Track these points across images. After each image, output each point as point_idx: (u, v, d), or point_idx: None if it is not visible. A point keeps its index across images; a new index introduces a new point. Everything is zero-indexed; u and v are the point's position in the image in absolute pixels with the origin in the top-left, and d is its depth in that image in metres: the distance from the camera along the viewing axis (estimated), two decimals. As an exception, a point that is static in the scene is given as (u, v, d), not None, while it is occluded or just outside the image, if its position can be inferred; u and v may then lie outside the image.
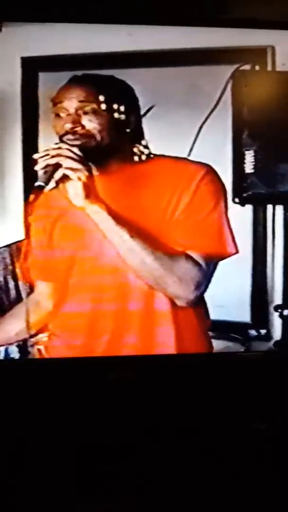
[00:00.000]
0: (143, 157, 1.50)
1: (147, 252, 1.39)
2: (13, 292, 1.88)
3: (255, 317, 1.92)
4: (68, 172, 1.35)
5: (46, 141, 1.44)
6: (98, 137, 1.42)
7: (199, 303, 1.49)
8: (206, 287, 1.47)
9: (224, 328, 1.83)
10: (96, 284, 1.47)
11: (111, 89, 1.45)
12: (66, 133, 1.42)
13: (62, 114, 1.42)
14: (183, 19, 1.64)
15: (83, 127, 1.42)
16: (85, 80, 1.46)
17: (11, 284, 1.89)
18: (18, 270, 1.65)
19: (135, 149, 1.49)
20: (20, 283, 1.85)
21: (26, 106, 2.13)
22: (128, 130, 1.46)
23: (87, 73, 1.50)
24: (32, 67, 2.15)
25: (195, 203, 1.45)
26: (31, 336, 1.64)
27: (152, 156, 1.51)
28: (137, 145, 1.49)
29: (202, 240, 1.45)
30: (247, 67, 1.79)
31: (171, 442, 1.53)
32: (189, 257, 1.43)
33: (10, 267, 1.89)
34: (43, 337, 1.67)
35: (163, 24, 1.66)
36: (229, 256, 1.47)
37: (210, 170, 1.48)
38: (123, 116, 1.44)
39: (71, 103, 1.42)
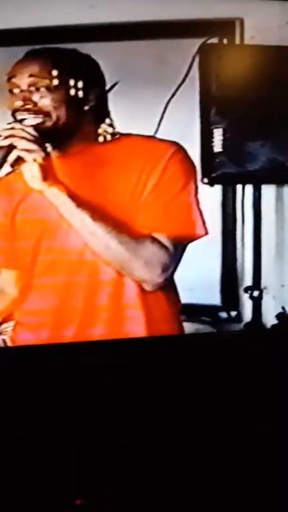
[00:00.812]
0: (108, 137, 1.41)
1: (110, 235, 1.33)
2: None
3: (225, 299, 1.89)
4: (23, 154, 1.26)
5: (2, 120, 1.35)
6: (53, 116, 1.32)
7: (168, 286, 1.43)
8: (174, 269, 1.41)
9: (194, 311, 1.80)
10: (62, 272, 1.40)
11: (68, 63, 1.34)
12: (17, 110, 1.32)
13: (15, 90, 1.33)
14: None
15: (34, 104, 1.32)
16: (41, 53, 1.36)
17: None
18: None
19: (99, 130, 1.41)
20: None
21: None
22: (86, 108, 1.37)
23: (46, 46, 1.40)
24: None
25: (163, 184, 1.38)
26: None
27: (118, 136, 1.43)
28: (102, 124, 1.40)
29: (170, 222, 1.38)
30: (215, 40, 1.71)
31: (146, 425, 1.50)
32: (155, 240, 1.37)
33: None
34: (7, 327, 1.62)
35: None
36: (199, 238, 1.41)
37: (179, 149, 1.40)
38: (80, 93, 1.35)
39: (23, 79, 1.32)
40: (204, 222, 1.40)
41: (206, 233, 1.41)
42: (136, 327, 1.40)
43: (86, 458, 1.46)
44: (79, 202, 1.30)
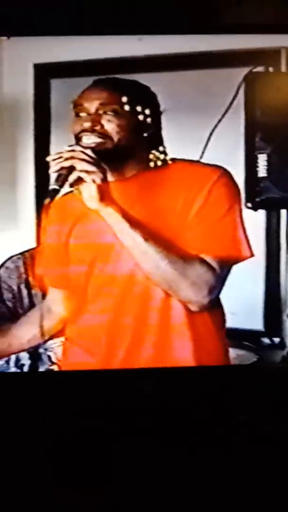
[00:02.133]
0: (159, 163, 1.44)
1: (161, 255, 1.34)
2: (26, 301, 1.88)
3: (268, 325, 1.85)
4: (83, 175, 1.30)
5: (58, 149, 1.39)
6: (115, 138, 1.37)
7: (214, 308, 1.42)
8: (220, 290, 1.40)
9: (237, 336, 1.76)
10: (114, 293, 1.42)
11: (134, 91, 1.40)
12: (82, 131, 1.36)
13: (82, 114, 1.38)
14: (192, 27, 1.58)
15: (102, 126, 1.37)
16: (109, 82, 1.42)
17: (25, 292, 1.89)
18: (31, 278, 1.60)
19: (151, 155, 1.44)
20: (34, 291, 1.84)
21: (38, 113, 2.11)
22: (145, 135, 1.40)
23: (110, 76, 1.45)
24: (44, 74, 2.13)
25: (208, 206, 1.39)
26: (43, 343, 1.61)
27: (168, 162, 1.45)
28: (154, 151, 1.43)
29: (216, 244, 1.39)
30: (260, 69, 1.72)
31: (185, 455, 1.49)
32: (203, 261, 1.37)
33: (24, 276, 1.90)
34: (53, 343, 1.63)
35: (171, 33, 1.60)
36: (244, 259, 1.41)
37: (224, 173, 1.42)
38: (148, 119, 1.40)
39: (92, 104, 1.38)
40: (249, 244, 1.40)
41: (252, 255, 1.40)
42: (183, 349, 1.40)
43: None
44: (132, 222, 1.33)
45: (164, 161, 1.45)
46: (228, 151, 1.72)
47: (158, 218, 1.38)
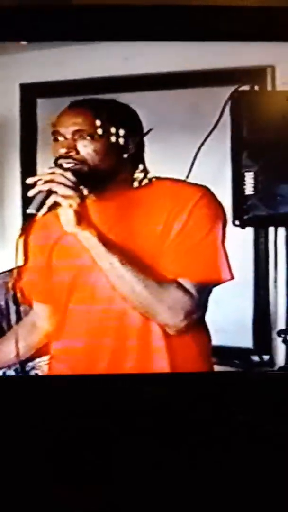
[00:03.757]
0: (143, 182, 1.42)
1: (137, 279, 1.33)
2: (13, 317, 1.81)
3: (258, 342, 1.82)
4: (59, 199, 1.29)
5: (45, 167, 1.38)
6: (91, 163, 1.35)
7: (196, 328, 1.40)
8: (203, 313, 1.39)
9: (225, 354, 1.73)
10: (94, 314, 1.41)
11: (109, 112, 1.38)
12: (60, 157, 1.34)
13: (60, 138, 1.36)
14: (178, 34, 1.56)
15: (77, 152, 1.34)
16: (83, 104, 1.40)
17: (12, 308, 1.83)
18: (18, 294, 1.57)
19: (135, 175, 1.42)
20: (22, 307, 1.80)
21: (24, 132, 2.09)
22: (125, 156, 1.38)
23: (87, 97, 1.43)
24: (31, 93, 2.11)
25: (188, 229, 1.37)
26: (29, 360, 1.59)
27: (152, 180, 1.42)
28: (137, 171, 1.41)
29: (195, 267, 1.37)
30: (246, 87, 1.71)
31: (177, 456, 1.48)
32: (180, 285, 1.35)
33: (11, 291, 1.84)
34: (40, 361, 1.61)
35: (160, 40, 1.58)
36: (224, 282, 1.38)
37: (206, 193, 1.40)
38: (121, 140, 1.37)
39: (67, 128, 1.37)
40: (229, 266, 1.38)
41: (232, 278, 1.39)
42: (161, 370, 1.38)
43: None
44: (110, 246, 1.31)
45: (146, 179, 1.43)
46: (215, 169, 1.71)
47: (137, 240, 1.37)
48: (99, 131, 1.35)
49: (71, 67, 1.95)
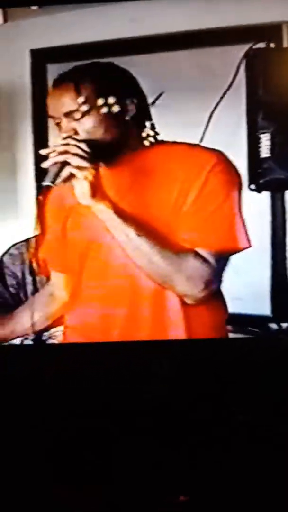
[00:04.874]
0: (152, 140, 1.35)
1: (154, 250, 1.28)
2: (30, 287, 1.86)
3: (276, 310, 1.79)
4: (75, 171, 1.24)
5: (56, 135, 1.32)
6: (95, 137, 1.28)
7: (213, 298, 1.36)
8: (219, 282, 1.35)
9: (243, 321, 1.70)
10: (107, 282, 1.37)
11: (94, 82, 1.30)
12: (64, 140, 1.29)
13: (58, 122, 1.30)
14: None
15: (76, 132, 1.28)
16: (64, 80, 1.31)
17: (29, 279, 1.87)
18: (34, 264, 1.55)
19: (143, 134, 1.35)
20: (38, 278, 1.80)
21: (35, 99, 2.04)
22: (127, 118, 1.31)
23: (67, 70, 1.35)
24: (40, 59, 2.06)
25: (204, 196, 1.31)
26: (46, 330, 1.57)
27: (160, 141, 1.36)
28: (144, 129, 1.34)
29: (212, 236, 1.32)
30: (261, 45, 1.63)
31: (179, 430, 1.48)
32: (197, 255, 1.31)
33: (27, 262, 1.87)
34: (56, 331, 1.60)
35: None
36: (242, 250, 1.34)
37: (221, 158, 1.32)
38: (116, 108, 1.30)
39: (58, 111, 1.30)
40: (247, 234, 1.32)
41: (249, 246, 1.32)
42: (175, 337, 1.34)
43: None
44: (124, 217, 1.27)
45: (155, 137, 1.36)
46: (229, 132, 1.65)
47: (152, 208, 1.32)
48: (84, 108, 1.28)
49: (80, 31, 1.89)
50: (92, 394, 1.49)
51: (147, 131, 1.34)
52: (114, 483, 1.38)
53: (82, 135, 1.27)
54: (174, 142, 1.36)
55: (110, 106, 1.28)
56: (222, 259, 1.32)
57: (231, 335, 1.48)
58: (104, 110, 1.27)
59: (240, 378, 1.48)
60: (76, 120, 1.27)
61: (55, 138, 1.29)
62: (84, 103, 1.26)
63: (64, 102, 1.27)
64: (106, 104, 1.27)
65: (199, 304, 1.32)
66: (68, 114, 1.27)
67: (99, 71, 1.31)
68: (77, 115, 1.26)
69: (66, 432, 1.45)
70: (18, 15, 2.00)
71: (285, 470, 1.38)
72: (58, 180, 1.24)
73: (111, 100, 1.27)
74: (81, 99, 1.26)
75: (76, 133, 1.27)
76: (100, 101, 1.27)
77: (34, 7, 1.87)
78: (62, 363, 1.51)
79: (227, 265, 1.33)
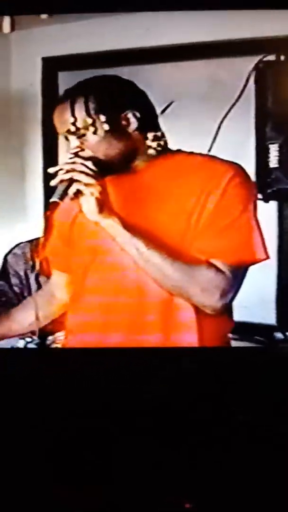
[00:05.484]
0: (159, 148, 1.36)
1: (166, 262, 1.27)
2: (34, 287, 1.87)
3: (281, 318, 1.79)
4: (81, 188, 1.25)
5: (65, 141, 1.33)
6: (100, 154, 1.29)
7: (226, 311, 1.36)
8: (236, 292, 1.32)
9: (248, 330, 1.70)
10: (110, 290, 1.35)
11: (95, 99, 1.30)
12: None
13: (66, 137, 1.32)
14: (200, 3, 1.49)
15: (82, 148, 1.30)
16: (64, 100, 1.30)
17: (32, 278, 1.89)
18: (37, 263, 1.56)
19: (148, 143, 1.36)
20: (41, 278, 1.79)
21: (46, 106, 2.06)
22: (131, 130, 1.32)
23: (69, 88, 1.33)
24: (52, 67, 2.07)
25: (221, 208, 1.30)
26: (50, 334, 1.59)
27: (176, 150, 1.36)
28: (149, 138, 1.35)
29: (228, 248, 1.31)
30: (271, 57, 1.64)
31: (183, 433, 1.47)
32: (211, 265, 1.29)
33: (30, 262, 1.89)
34: (60, 336, 1.60)
35: (179, 9, 1.51)
36: (259, 262, 1.33)
37: (239, 171, 1.31)
38: (107, 126, 1.31)
39: (62, 129, 1.30)
40: (265, 246, 1.31)
41: (267, 257, 1.31)
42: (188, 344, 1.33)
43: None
44: (134, 231, 1.26)
45: (162, 146, 1.37)
46: (238, 142, 1.66)
47: (162, 220, 1.30)
48: (82, 132, 1.31)
49: (91, 39, 1.91)
50: (92, 394, 1.48)
51: (153, 141, 1.34)
52: (114, 483, 1.38)
53: (87, 151, 1.29)
54: (191, 153, 1.36)
55: (110, 122, 1.29)
56: (239, 270, 1.31)
57: (236, 344, 1.48)
58: (106, 127, 1.29)
59: (240, 379, 1.48)
60: (80, 138, 1.29)
61: (63, 146, 1.31)
62: (91, 125, 1.27)
63: (66, 120, 1.28)
64: (102, 122, 1.29)
65: (218, 315, 1.31)
66: (71, 132, 1.28)
67: (101, 86, 1.31)
68: (79, 133, 1.28)
69: (66, 432, 1.44)
70: (28, 23, 2.02)
71: (286, 470, 1.38)
72: (66, 197, 1.26)
73: (103, 118, 1.28)
74: (79, 119, 1.26)
75: (82, 149, 1.29)
76: (102, 118, 1.27)
77: (43, 16, 1.88)
78: (63, 363, 1.51)
79: (245, 276, 1.32)
